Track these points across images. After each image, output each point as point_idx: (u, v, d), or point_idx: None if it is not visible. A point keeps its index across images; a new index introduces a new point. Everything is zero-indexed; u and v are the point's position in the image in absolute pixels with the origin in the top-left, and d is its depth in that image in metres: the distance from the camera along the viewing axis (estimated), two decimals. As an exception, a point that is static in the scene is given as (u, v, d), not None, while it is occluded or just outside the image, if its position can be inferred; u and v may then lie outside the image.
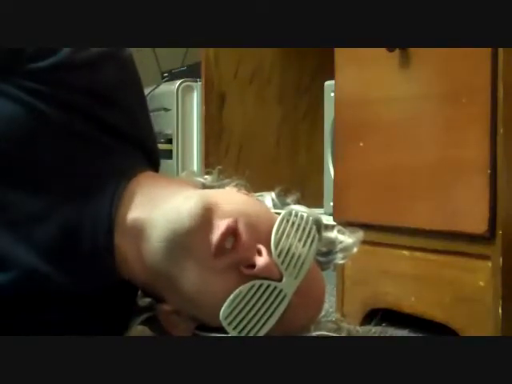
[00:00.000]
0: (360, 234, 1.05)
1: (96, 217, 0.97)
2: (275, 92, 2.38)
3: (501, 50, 1.23)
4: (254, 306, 0.92)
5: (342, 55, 1.55)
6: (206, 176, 1.09)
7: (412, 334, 1.35)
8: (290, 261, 0.93)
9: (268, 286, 0.92)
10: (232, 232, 0.92)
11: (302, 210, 1.00)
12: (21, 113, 0.97)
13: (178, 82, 2.56)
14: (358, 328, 1.15)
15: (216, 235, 0.91)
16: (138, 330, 0.99)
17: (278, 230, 0.94)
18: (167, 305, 0.98)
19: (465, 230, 1.29)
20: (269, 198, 1.06)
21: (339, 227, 1.06)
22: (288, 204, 1.05)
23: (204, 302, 0.93)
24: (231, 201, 0.97)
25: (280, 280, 0.92)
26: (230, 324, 0.92)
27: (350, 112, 1.54)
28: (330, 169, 1.92)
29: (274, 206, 1.05)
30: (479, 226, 1.26)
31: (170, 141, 2.57)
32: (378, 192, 1.47)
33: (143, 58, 2.95)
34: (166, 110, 2.58)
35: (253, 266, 0.92)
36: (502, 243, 1.24)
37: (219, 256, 0.91)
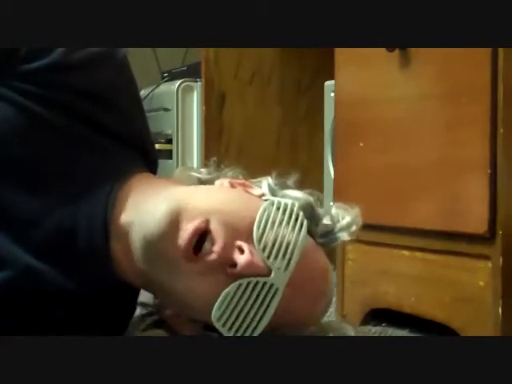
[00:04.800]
0: (357, 210, 1.00)
1: (91, 218, 0.97)
2: (275, 92, 2.38)
3: (501, 50, 1.23)
4: (245, 304, 0.89)
5: (342, 55, 1.55)
6: (202, 169, 1.07)
7: (412, 334, 1.36)
8: (278, 253, 0.89)
9: (257, 283, 0.89)
10: (201, 232, 0.89)
11: (295, 195, 0.98)
12: (13, 114, 0.97)
13: (178, 81, 2.56)
14: (358, 328, 1.15)
15: (182, 239, 0.89)
16: (149, 332, 0.99)
17: (259, 224, 0.91)
18: (169, 309, 0.98)
19: (465, 230, 1.29)
20: (265, 183, 1.02)
21: (337, 204, 1.02)
22: (287, 187, 1.02)
23: (196, 305, 0.92)
24: (207, 200, 0.94)
25: (269, 275, 0.89)
26: (223, 326, 0.90)
27: (349, 112, 1.54)
28: (330, 169, 1.92)
29: (270, 191, 1.01)
30: (479, 226, 1.26)
31: (170, 141, 2.56)
32: (378, 192, 1.47)
33: (143, 58, 2.95)
34: (166, 109, 2.58)
35: (236, 264, 0.89)
36: (501, 243, 1.24)
37: (192, 260, 0.89)
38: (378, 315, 1.13)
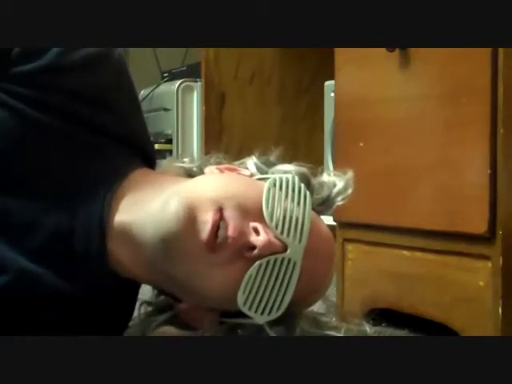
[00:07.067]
0: (350, 174, 1.04)
1: (88, 219, 0.96)
2: (275, 92, 2.38)
3: (501, 50, 1.23)
4: (267, 283, 0.91)
5: (342, 55, 1.55)
6: (185, 159, 1.07)
7: (412, 334, 1.35)
8: (290, 227, 0.91)
9: (275, 261, 0.90)
10: (220, 221, 0.90)
11: (285, 168, 1.00)
12: (6, 118, 0.96)
13: (178, 82, 2.56)
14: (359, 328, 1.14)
15: (204, 233, 0.89)
16: (161, 330, 0.99)
17: (267, 202, 0.92)
18: (184, 303, 0.98)
19: (465, 230, 1.29)
20: (251, 162, 1.04)
21: (328, 172, 1.05)
22: (273, 163, 1.04)
23: (217, 295, 0.92)
24: (212, 188, 0.94)
25: (285, 250, 0.91)
26: (250, 309, 0.91)
27: (350, 112, 1.54)
28: (330, 169, 1.92)
29: (258, 170, 1.03)
30: (479, 226, 1.26)
31: (170, 141, 2.57)
32: (378, 192, 1.47)
33: (143, 58, 2.95)
34: (166, 109, 2.58)
35: (254, 247, 0.90)
36: (502, 243, 1.24)
37: (215, 250, 0.90)
38: (377, 315, 1.12)
